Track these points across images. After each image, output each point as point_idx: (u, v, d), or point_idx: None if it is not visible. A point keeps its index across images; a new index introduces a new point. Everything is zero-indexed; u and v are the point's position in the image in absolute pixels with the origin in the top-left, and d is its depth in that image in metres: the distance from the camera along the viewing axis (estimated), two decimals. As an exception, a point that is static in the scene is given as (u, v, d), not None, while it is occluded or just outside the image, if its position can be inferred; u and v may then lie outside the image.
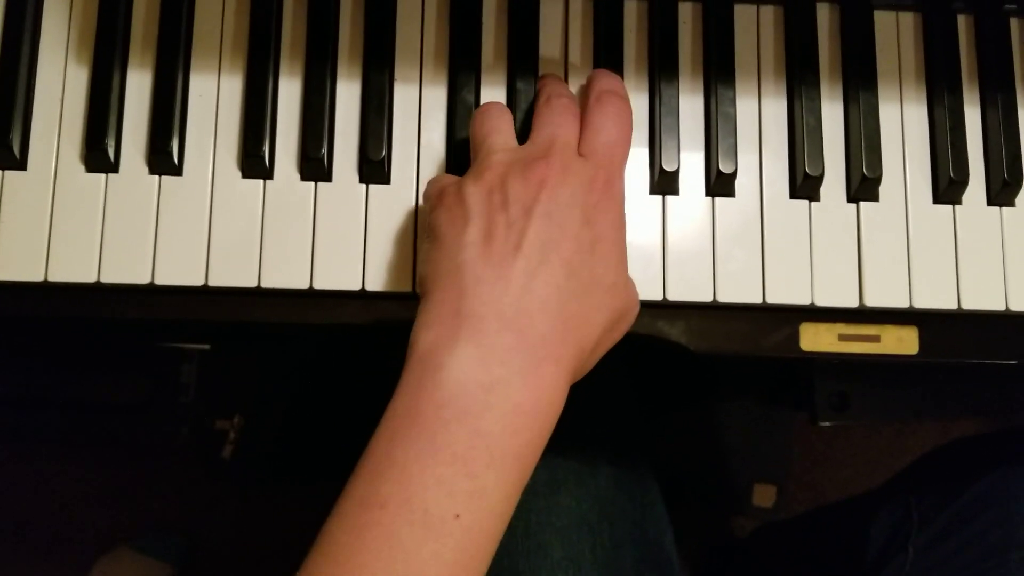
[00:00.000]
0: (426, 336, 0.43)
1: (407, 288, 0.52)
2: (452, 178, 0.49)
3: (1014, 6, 0.57)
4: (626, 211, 0.48)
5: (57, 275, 0.51)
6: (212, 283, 0.52)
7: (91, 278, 0.51)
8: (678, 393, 1.13)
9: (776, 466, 1.18)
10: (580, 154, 0.48)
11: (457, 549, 0.40)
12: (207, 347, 0.94)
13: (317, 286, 0.52)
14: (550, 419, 0.43)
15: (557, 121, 0.48)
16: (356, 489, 0.41)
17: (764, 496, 1.16)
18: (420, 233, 0.53)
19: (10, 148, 0.51)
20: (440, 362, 0.42)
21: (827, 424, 1.06)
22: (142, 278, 0.51)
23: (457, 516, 0.40)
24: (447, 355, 0.42)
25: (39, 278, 0.51)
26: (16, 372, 0.96)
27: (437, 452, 0.40)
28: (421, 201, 0.52)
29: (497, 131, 0.49)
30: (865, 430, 1.25)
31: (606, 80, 0.51)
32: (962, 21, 0.57)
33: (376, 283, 0.52)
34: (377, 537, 0.39)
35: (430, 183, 0.50)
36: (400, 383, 0.43)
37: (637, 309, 0.49)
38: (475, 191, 0.45)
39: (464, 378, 0.41)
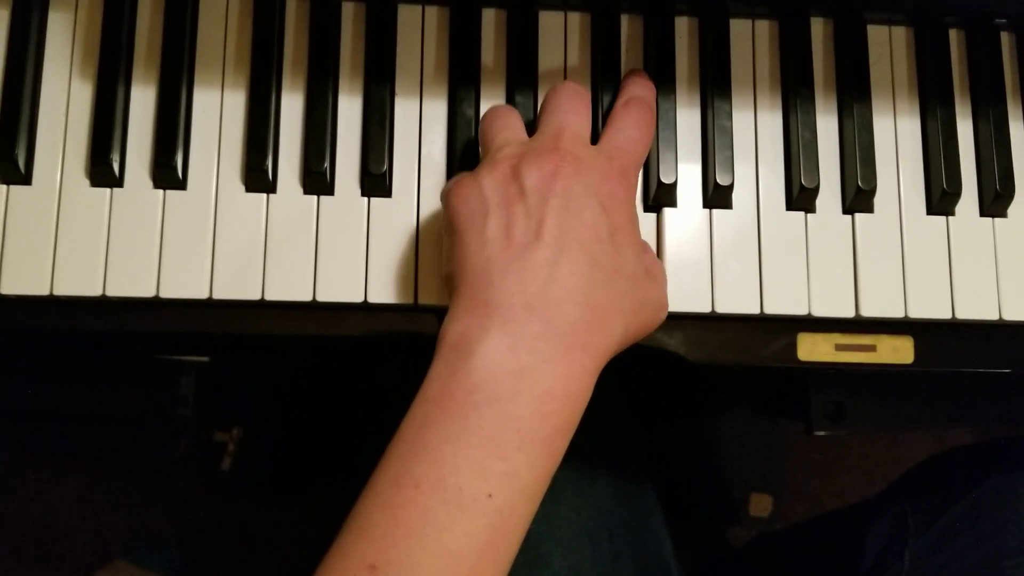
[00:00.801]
0: (456, 327, 0.44)
1: (409, 300, 0.53)
2: (467, 175, 0.49)
3: (1004, 20, 0.58)
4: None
5: (62, 289, 0.51)
6: (216, 296, 0.52)
7: (96, 291, 0.52)
8: (675, 403, 1.13)
9: (772, 476, 1.18)
10: (598, 146, 0.49)
11: (489, 528, 0.41)
12: (206, 359, 0.94)
13: (320, 298, 0.52)
14: (579, 405, 0.44)
15: (565, 107, 0.49)
16: (389, 470, 0.42)
17: (760, 506, 1.17)
18: (424, 245, 0.53)
19: (15, 163, 0.52)
20: (471, 350, 0.43)
21: (822, 434, 1.06)
22: (147, 291, 0.52)
23: (490, 496, 0.41)
24: (477, 343, 0.43)
25: (44, 292, 0.51)
26: (14, 384, 0.96)
27: (470, 435, 0.41)
28: (439, 205, 0.52)
29: (507, 127, 0.50)
30: (860, 439, 1.26)
31: (637, 87, 0.52)
32: (954, 35, 0.58)
33: (379, 295, 0.53)
34: (412, 515, 0.40)
35: (447, 184, 0.50)
36: (430, 371, 0.44)
37: (666, 310, 0.50)
38: (490, 183, 0.46)
39: (494, 365, 0.42)
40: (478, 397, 0.42)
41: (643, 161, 0.51)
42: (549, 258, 0.44)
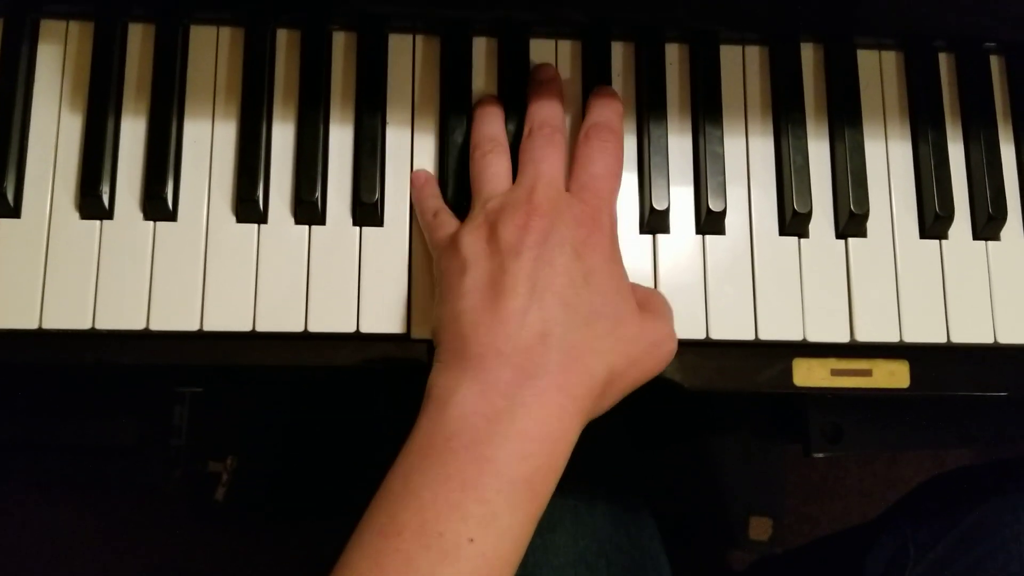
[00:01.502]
0: (438, 381, 0.45)
1: (402, 329, 0.53)
2: (454, 224, 0.51)
3: (993, 44, 0.58)
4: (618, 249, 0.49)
5: (52, 322, 0.51)
6: (207, 328, 0.52)
7: (86, 325, 0.51)
8: (672, 427, 1.13)
9: (771, 499, 1.18)
10: (569, 189, 0.50)
11: (473, 573, 0.41)
12: (199, 389, 0.93)
13: (312, 329, 0.52)
14: (561, 446, 0.45)
15: (539, 156, 0.51)
16: (374, 519, 0.43)
17: (760, 529, 1.16)
18: (416, 274, 0.53)
19: (4, 196, 0.52)
20: (447, 400, 0.44)
21: (821, 455, 1.06)
22: (137, 324, 0.51)
23: (471, 540, 0.41)
24: (452, 393, 0.44)
25: (33, 325, 0.51)
26: (5, 415, 0.95)
27: (449, 479, 0.42)
28: (429, 245, 0.52)
29: (493, 176, 0.51)
30: (859, 461, 1.25)
31: (599, 111, 0.53)
32: (943, 59, 0.58)
33: (371, 325, 0.52)
34: (395, 563, 0.41)
35: (435, 228, 0.52)
36: (415, 425, 0.45)
37: (671, 344, 0.50)
38: (470, 241, 0.48)
39: (469, 411, 0.43)
40: (455, 442, 0.43)
41: (616, 192, 0.52)
42: (520, 307, 0.45)
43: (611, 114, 0.53)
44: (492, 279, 0.46)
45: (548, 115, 0.53)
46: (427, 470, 0.42)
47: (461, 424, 0.43)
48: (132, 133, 0.54)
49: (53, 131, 0.54)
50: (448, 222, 0.51)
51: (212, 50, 0.55)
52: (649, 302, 0.51)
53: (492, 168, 0.51)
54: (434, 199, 0.53)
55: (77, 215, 0.53)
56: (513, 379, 0.44)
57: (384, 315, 0.53)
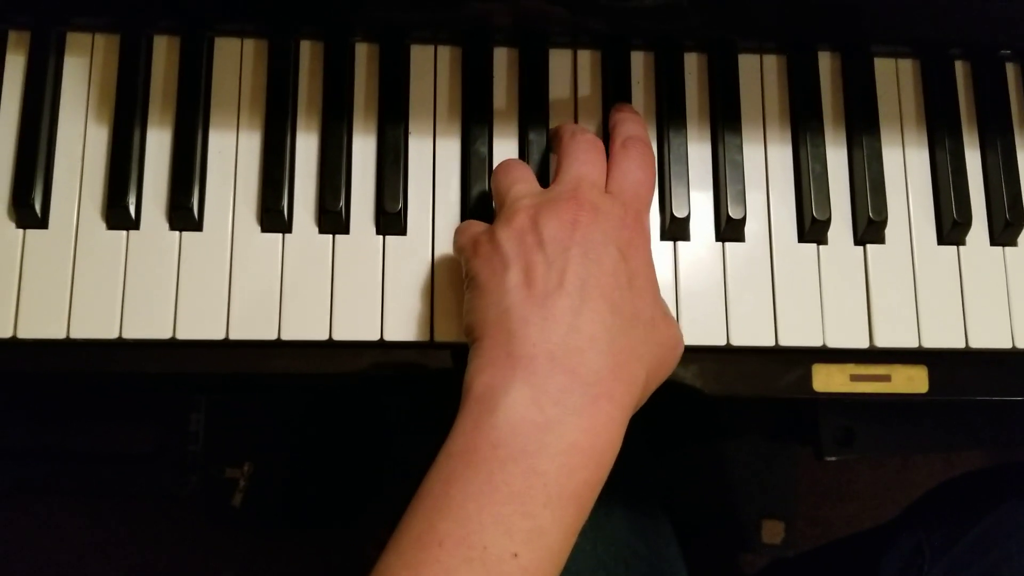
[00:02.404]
0: (480, 379, 0.43)
1: (425, 337, 0.53)
2: (481, 225, 0.50)
3: (1009, 52, 0.58)
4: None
5: (79, 332, 0.52)
6: (233, 336, 0.52)
7: (113, 334, 0.52)
8: (685, 430, 1.13)
9: (783, 502, 1.18)
10: (610, 193, 0.49)
11: None
12: (218, 395, 0.94)
13: (336, 337, 0.53)
14: (607, 457, 0.43)
15: (583, 158, 0.49)
16: (413, 526, 0.41)
17: (772, 532, 1.16)
18: (439, 282, 0.53)
19: (32, 207, 0.52)
20: (495, 403, 0.42)
21: (833, 459, 1.06)
22: (163, 333, 0.52)
23: (515, 555, 0.40)
24: (501, 397, 0.42)
25: (61, 335, 0.52)
26: (24, 423, 0.96)
27: (495, 491, 0.40)
28: (452, 251, 0.52)
29: (521, 180, 0.50)
30: (871, 464, 1.26)
31: (630, 126, 0.52)
32: (959, 67, 0.58)
33: (394, 333, 0.53)
34: (435, 574, 0.39)
35: (459, 232, 0.51)
36: (456, 425, 0.43)
37: (682, 346, 0.49)
38: (508, 235, 0.46)
39: (518, 418, 0.42)
40: (503, 452, 0.41)
41: (651, 201, 0.51)
42: (570, 306, 0.44)
43: (641, 129, 0.53)
44: (539, 274, 0.44)
45: (584, 128, 0.52)
46: (471, 479, 0.41)
47: (510, 432, 0.41)
48: (158, 144, 0.54)
49: (80, 143, 0.54)
50: (474, 224, 0.50)
51: (236, 62, 0.56)
52: (666, 305, 0.51)
53: (518, 170, 0.50)
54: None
55: (104, 226, 0.53)
56: (565, 385, 0.42)
57: (408, 323, 0.53)
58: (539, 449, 0.41)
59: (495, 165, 0.52)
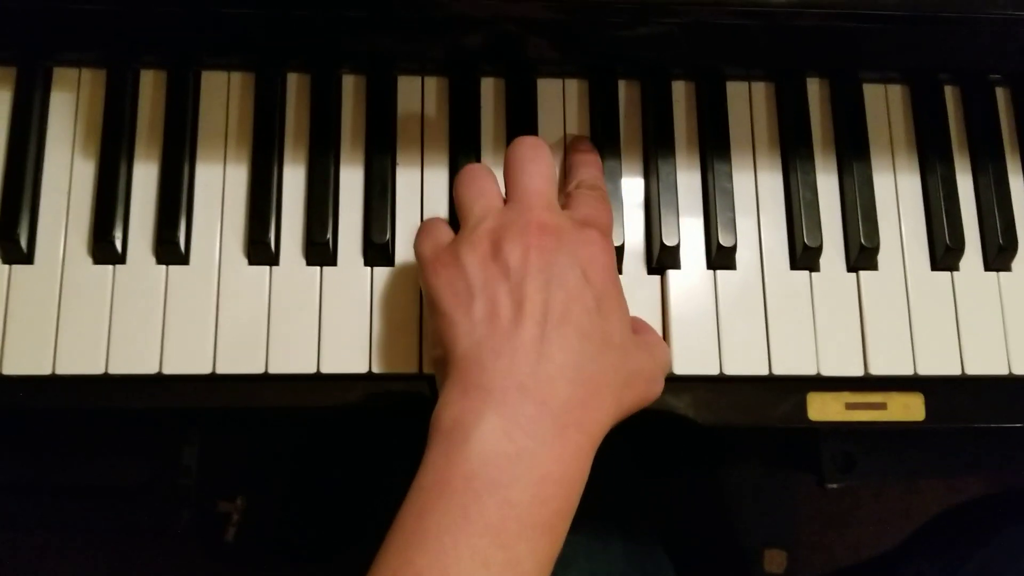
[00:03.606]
0: (449, 412, 0.43)
1: (413, 369, 0.53)
2: (446, 232, 0.48)
3: (999, 76, 0.58)
4: (628, 286, 0.49)
5: (65, 368, 0.51)
6: (220, 371, 0.52)
7: (99, 370, 0.51)
8: (684, 458, 1.12)
9: (785, 530, 1.16)
10: (568, 214, 0.48)
11: None
12: (208, 429, 0.93)
13: (324, 370, 0.52)
14: (577, 486, 0.43)
15: (529, 170, 0.48)
16: (389, 561, 0.41)
17: (775, 562, 1.15)
18: (428, 314, 0.53)
19: (17, 242, 0.52)
20: (466, 435, 0.42)
21: (834, 486, 1.05)
22: (150, 368, 0.51)
23: None
24: (473, 428, 0.42)
25: (47, 371, 0.51)
26: (13, 457, 0.95)
27: (470, 523, 0.40)
28: (413, 257, 0.51)
29: (483, 194, 0.48)
30: (873, 491, 1.25)
31: (584, 171, 0.52)
32: (949, 92, 0.58)
33: (382, 365, 0.52)
34: None
35: (423, 235, 0.49)
36: (426, 458, 0.43)
37: (661, 379, 0.49)
38: (473, 261, 0.45)
39: (491, 450, 0.41)
40: (477, 483, 0.41)
41: (612, 229, 0.50)
42: (538, 335, 0.43)
43: (596, 173, 0.53)
44: (506, 304, 0.44)
45: (528, 139, 0.51)
46: (445, 512, 0.41)
47: (482, 464, 0.41)
48: (144, 178, 0.54)
49: (66, 177, 0.54)
50: (440, 228, 0.49)
51: (223, 95, 0.55)
52: (649, 335, 0.50)
53: (482, 182, 0.49)
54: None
55: (90, 260, 0.53)
56: (536, 415, 0.42)
57: (396, 355, 0.53)
58: (512, 480, 0.41)
59: (459, 173, 0.50)
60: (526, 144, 0.49)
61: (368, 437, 1.00)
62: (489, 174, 0.50)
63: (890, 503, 1.25)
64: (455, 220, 0.54)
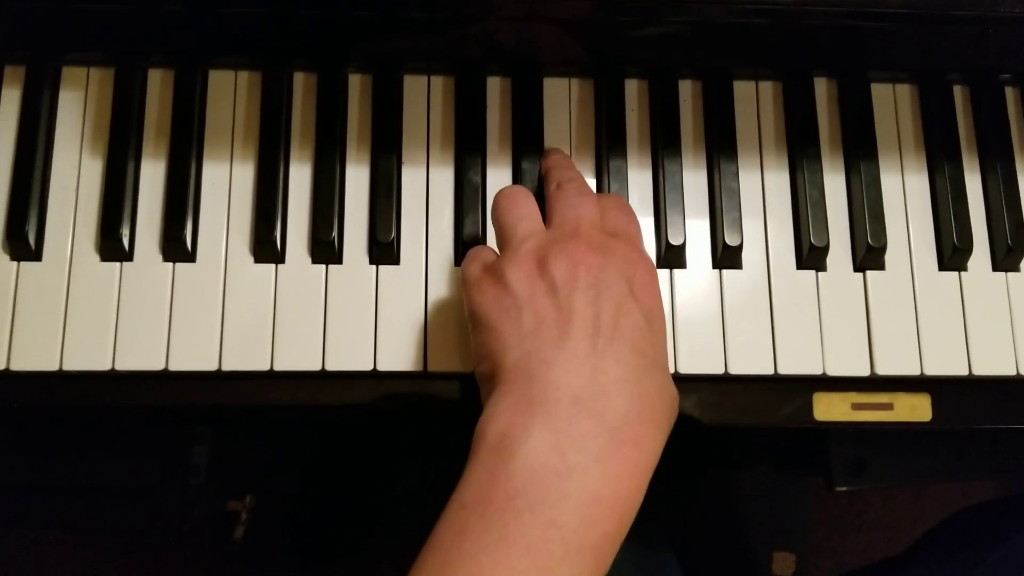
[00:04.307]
0: (495, 426, 0.41)
1: (419, 367, 0.53)
2: (491, 255, 0.48)
3: (1008, 76, 0.58)
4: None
5: (72, 364, 0.51)
6: (226, 368, 0.52)
7: (106, 366, 0.51)
8: (694, 462, 1.12)
9: (794, 534, 1.16)
10: (611, 233, 0.47)
11: None
12: (218, 427, 0.93)
13: (329, 367, 0.52)
14: (630, 508, 0.41)
15: (576, 202, 0.48)
16: None
17: (783, 565, 1.14)
18: (433, 312, 0.53)
19: (25, 239, 0.52)
20: (513, 451, 0.40)
21: (844, 489, 1.05)
22: (156, 365, 0.52)
23: None
24: (520, 444, 0.40)
25: (54, 367, 0.51)
26: (23, 458, 0.95)
27: (510, 544, 0.38)
28: (447, 269, 0.52)
29: (526, 217, 0.48)
30: (882, 494, 1.24)
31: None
32: (958, 92, 0.58)
33: (388, 363, 0.52)
34: None
35: (470, 260, 0.48)
36: (467, 474, 0.41)
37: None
38: (519, 278, 0.44)
39: (538, 466, 0.39)
40: (520, 502, 0.39)
41: (641, 236, 0.50)
42: (590, 348, 0.42)
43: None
44: (555, 317, 0.42)
45: (572, 173, 0.51)
46: (486, 531, 0.39)
47: (529, 480, 0.39)
48: (152, 177, 0.54)
49: (74, 175, 0.54)
50: (484, 251, 0.49)
51: (230, 94, 0.56)
52: None
53: (524, 206, 0.48)
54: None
55: (97, 258, 0.53)
56: (590, 430, 0.40)
57: (401, 353, 0.53)
58: (559, 499, 0.39)
59: (493, 194, 0.50)
60: (576, 186, 0.49)
61: (376, 437, 1.00)
62: (528, 196, 0.50)
63: (900, 507, 1.24)
64: (462, 225, 0.54)
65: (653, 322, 0.45)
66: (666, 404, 0.44)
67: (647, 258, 0.47)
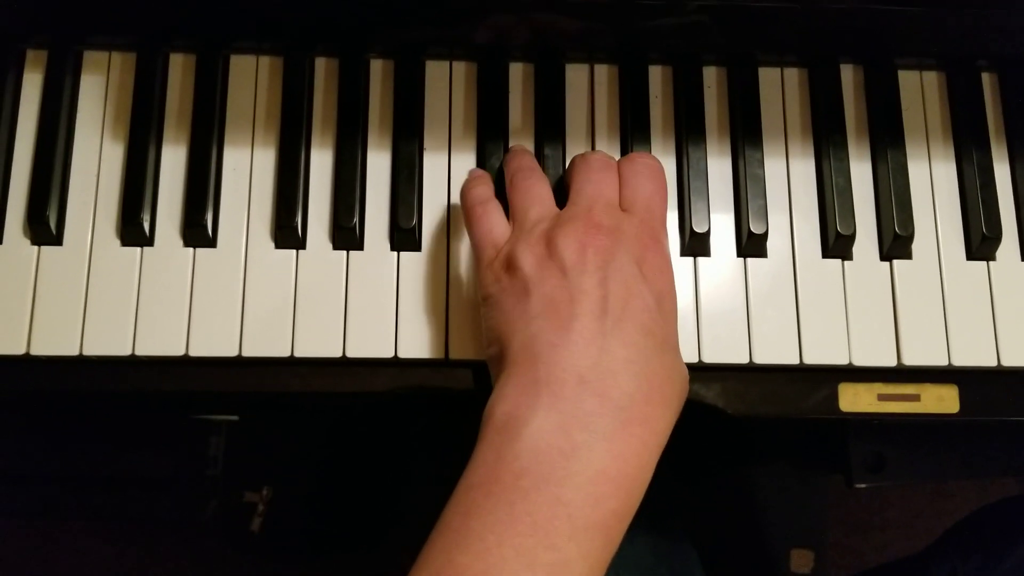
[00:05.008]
0: (502, 406, 0.42)
1: (440, 355, 0.52)
2: (502, 227, 0.48)
3: (1039, 62, 0.57)
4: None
5: (92, 349, 0.51)
6: (246, 354, 0.52)
7: (126, 351, 0.51)
8: (712, 456, 1.11)
9: (813, 530, 1.15)
10: (625, 211, 0.47)
11: None
12: (235, 418, 0.93)
13: (350, 354, 0.52)
14: (638, 485, 0.41)
15: (596, 178, 0.48)
16: (431, 562, 0.39)
17: (802, 562, 1.13)
18: (454, 299, 0.53)
19: (47, 224, 0.52)
20: (518, 431, 0.40)
21: (863, 486, 1.04)
22: (177, 350, 0.51)
23: None
24: (525, 424, 0.40)
25: (74, 352, 0.51)
26: (40, 448, 0.96)
27: (516, 522, 0.38)
28: (469, 256, 0.51)
29: (539, 200, 0.48)
30: (902, 491, 1.23)
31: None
32: (986, 78, 0.57)
33: (409, 350, 0.52)
34: None
35: (481, 244, 0.48)
36: (475, 456, 0.41)
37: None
38: (529, 260, 0.45)
39: (543, 445, 0.40)
40: (526, 481, 0.39)
41: (666, 212, 0.50)
42: (597, 329, 0.42)
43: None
44: (563, 298, 0.43)
45: (600, 154, 0.51)
46: (492, 509, 0.39)
47: (533, 459, 0.39)
48: (173, 161, 0.54)
49: (95, 160, 0.54)
50: (496, 217, 0.48)
51: (251, 79, 0.55)
52: None
53: (537, 189, 0.49)
54: (485, 187, 0.50)
55: (118, 243, 0.53)
56: (595, 409, 0.40)
57: (422, 340, 0.52)
58: (565, 477, 0.39)
59: (513, 177, 0.50)
60: (598, 162, 0.49)
61: (394, 428, 1.00)
62: (543, 179, 0.50)
63: (920, 504, 1.23)
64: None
65: (663, 303, 0.45)
66: (676, 384, 0.44)
67: (660, 238, 0.47)
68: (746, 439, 1.12)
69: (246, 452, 0.98)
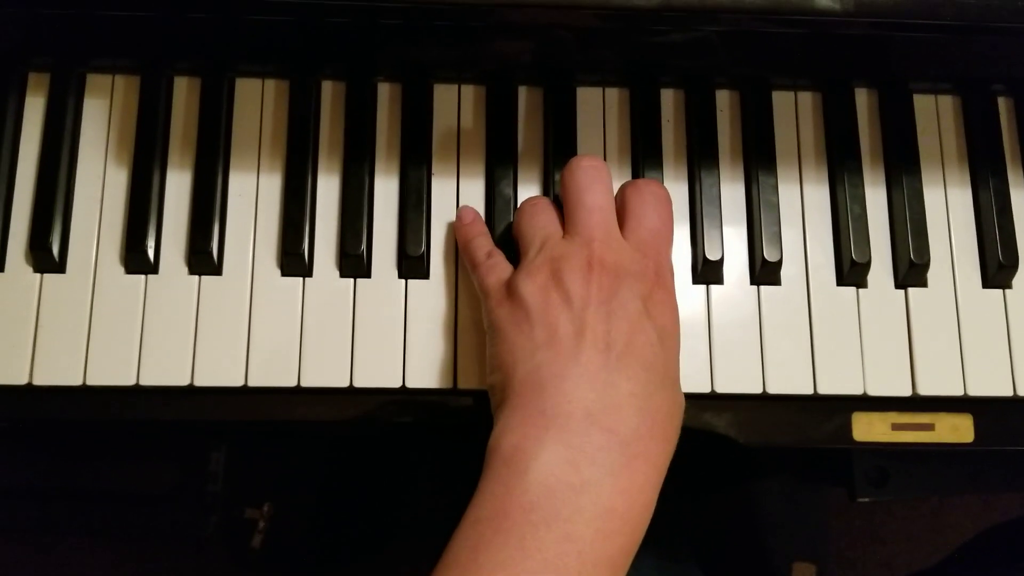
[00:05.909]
0: (508, 439, 0.41)
1: (448, 384, 0.51)
2: (507, 266, 0.48)
3: (1055, 87, 0.56)
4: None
5: (96, 379, 0.50)
6: (252, 383, 0.51)
7: (130, 381, 0.50)
8: (715, 472, 1.11)
9: (815, 544, 1.15)
10: (629, 242, 0.47)
11: None
12: (236, 435, 0.93)
13: (357, 384, 0.51)
14: (643, 521, 0.42)
15: (588, 193, 0.47)
16: None
17: (804, 575, 1.13)
18: (463, 327, 0.52)
19: (49, 251, 0.51)
20: (526, 464, 0.40)
21: (866, 500, 1.03)
22: (181, 380, 0.51)
23: None
24: (533, 457, 0.40)
25: (78, 382, 0.50)
26: (41, 463, 0.95)
27: (526, 558, 0.38)
28: (479, 289, 0.50)
29: (544, 228, 0.48)
30: (905, 505, 1.22)
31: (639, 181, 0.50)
32: (1003, 103, 0.56)
33: (417, 380, 0.51)
34: None
35: (484, 269, 0.49)
36: (481, 488, 0.41)
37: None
38: (533, 291, 0.45)
39: (553, 480, 0.40)
40: (535, 516, 0.39)
41: (671, 244, 0.49)
42: (602, 363, 0.42)
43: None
44: (568, 332, 0.43)
45: (586, 160, 0.49)
46: (501, 546, 0.39)
47: (543, 495, 0.39)
48: (177, 187, 0.53)
49: (99, 185, 0.53)
50: (502, 265, 0.49)
51: (257, 103, 0.55)
52: None
53: (544, 215, 0.49)
54: (484, 238, 0.51)
55: (122, 270, 0.52)
56: (603, 444, 0.40)
57: (430, 370, 0.51)
58: (574, 513, 0.39)
59: (521, 205, 0.50)
60: (583, 168, 0.48)
61: (395, 446, 0.99)
62: (550, 207, 0.50)
63: (923, 519, 1.22)
64: (493, 238, 0.53)
65: (665, 340, 0.45)
66: (675, 419, 0.44)
67: (664, 273, 0.47)
68: (749, 455, 1.12)
69: (247, 468, 0.97)
